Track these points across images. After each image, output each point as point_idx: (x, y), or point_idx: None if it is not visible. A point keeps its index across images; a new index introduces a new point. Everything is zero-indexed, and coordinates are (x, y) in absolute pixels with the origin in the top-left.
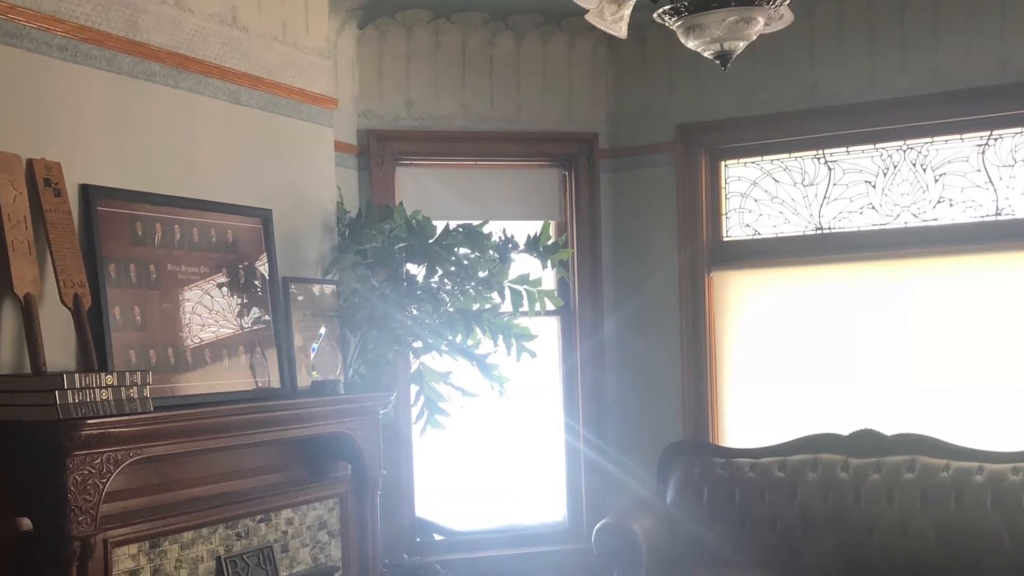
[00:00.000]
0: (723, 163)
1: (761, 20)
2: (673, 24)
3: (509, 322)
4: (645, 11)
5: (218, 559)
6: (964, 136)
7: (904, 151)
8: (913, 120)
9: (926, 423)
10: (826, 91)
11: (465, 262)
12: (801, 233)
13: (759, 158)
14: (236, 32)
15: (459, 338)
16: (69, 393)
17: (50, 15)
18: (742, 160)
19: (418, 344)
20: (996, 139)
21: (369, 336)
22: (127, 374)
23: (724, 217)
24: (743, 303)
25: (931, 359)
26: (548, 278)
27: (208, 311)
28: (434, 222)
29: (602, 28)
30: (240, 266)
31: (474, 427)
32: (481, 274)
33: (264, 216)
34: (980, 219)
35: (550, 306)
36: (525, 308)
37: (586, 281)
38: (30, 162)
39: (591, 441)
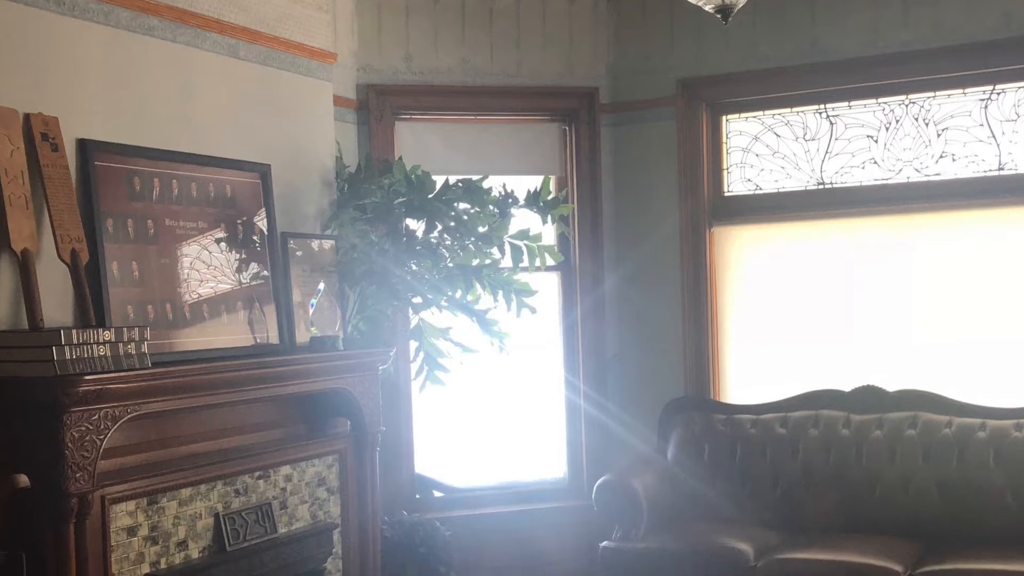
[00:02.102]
0: (724, 117)
1: None
2: None
3: (509, 277)
4: None
5: (216, 516)
6: (967, 90)
7: (906, 105)
8: (915, 74)
9: (928, 379)
10: (827, 45)
11: (465, 217)
12: (803, 188)
13: (760, 112)
14: None
15: (459, 293)
16: (66, 349)
17: None
18: (743, 114)
19: (417, 300)
20: (999, 93)
21: (368, 292)
22: (124, 330)
23: (725, 172)
24: (744, 258)
25: (933, 314)
26: (548, 233)
27: (206, 266)
28: (434, 177)
29: None
30: (238, 221)
31: (474, 383)
32: (481, 229)
33: (262, 171)
34: (983, 174)
35: (550, 261)
36: (525, 263)
37: (586, 236)
38: (27, 117)
39: (592, 397)
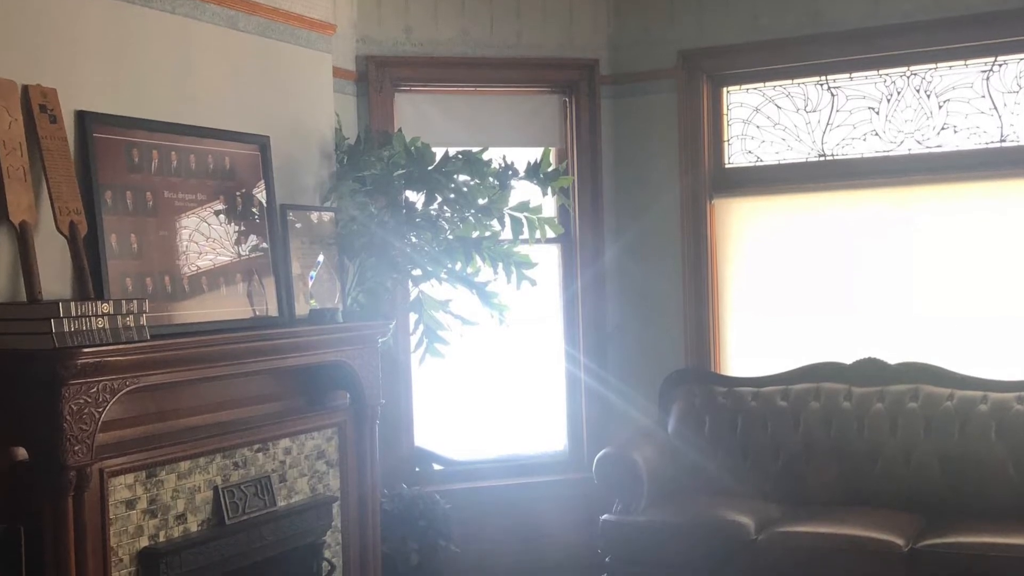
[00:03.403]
0: (725, 89)
1: None
2: None
3: (509, 250)
4: None
5: (215, 489)
6: (968, 62)
7: (908, 77)
8: (917, 46)
9: (930, 352)
10: (829, 16)
11: (465, 189)
12: (804, 160)
13: (761, 84)
14: None
15: (459, 266)
16: (65, 321)
17: None
18: (744, 86)
19: (417, 272)
20: (1001, 65)
21: (368, 264)
22: (123, 302)
23: (726, 144)
24: (745, 230)
25: (935, 287)
26: (548, 205)
27: (205, 239)
28: (433, 149)
29: None
30: (237, 193)
31: (474, 356)
32: (481, 201)
33: (262, 143)
34: (984, 146)
35: (550, 234)
36: (525, 235)
37: (587, 208)
38: (26, 88)
39: (592, 370)
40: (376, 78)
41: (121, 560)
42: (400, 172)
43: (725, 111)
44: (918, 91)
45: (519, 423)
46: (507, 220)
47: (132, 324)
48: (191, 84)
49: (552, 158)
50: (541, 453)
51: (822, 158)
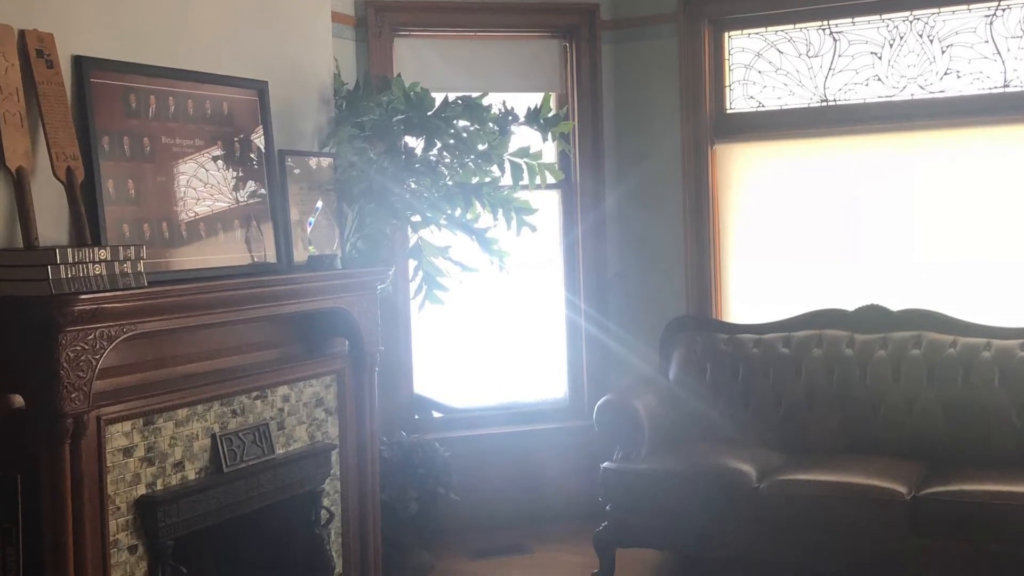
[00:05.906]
0: (727, 34)
1: None
2: None
3: (509, 195)
4: None
5: (213, 436)
6: (972, 7)
7: (911, 22)
8: None
9: (933, 298)
10: None
11: (464, 135)
12: (806, 105)
13: (763, 29)
14: None
15: (458, 212)
16: (62, 268)
17: None
18: (746, 31)
19: (416, 218)
20: (1004, 10)
21: (367, 210)
22: (120, 248)
23: (728, 89)
24: (747, 176)
25: (938, 233)
26: (549, 151)
27: (203, 184)
28: (433, 94)
29: None
30: (235, 139)
31: (474, 303)
32: (481, 147)
33: (260, 88)
34: (988, 91)
35: (551, 179)
36: (525, 181)
37: (587, 154)
38: (22, 33)
39: (593, 317)
40: (375, 23)
41: (118, 508)
42: (399, 118)
43: (727, 56)
44: (921, 36)
45: (519, 370)
46: (507, 166)
47: (129, 271)
48: (189, 28)
49: (552, 103)
50: (541, 401)
51: (824, 103)
